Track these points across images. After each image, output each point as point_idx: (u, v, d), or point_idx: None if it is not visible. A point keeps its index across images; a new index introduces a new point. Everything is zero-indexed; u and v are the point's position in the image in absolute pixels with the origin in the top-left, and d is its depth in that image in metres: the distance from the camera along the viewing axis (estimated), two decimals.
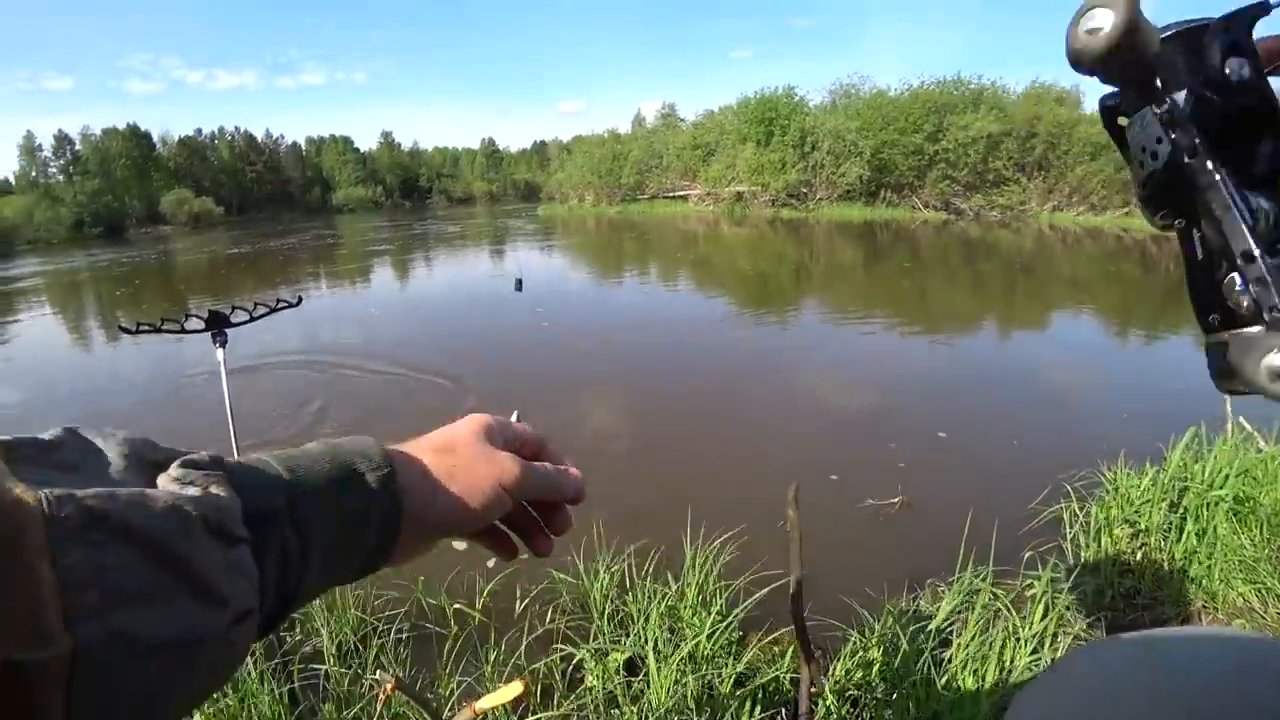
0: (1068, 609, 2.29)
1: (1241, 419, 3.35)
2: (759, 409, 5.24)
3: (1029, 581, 2.36)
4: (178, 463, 0.28)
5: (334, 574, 0.33)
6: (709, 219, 28.51)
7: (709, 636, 2.20)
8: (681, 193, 35.10)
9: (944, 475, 3.93)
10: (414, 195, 75.66)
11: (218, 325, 1.92)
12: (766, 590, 2.44)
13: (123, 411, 5.87)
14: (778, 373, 6.25)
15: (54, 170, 52.56)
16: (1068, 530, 2.91)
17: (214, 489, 0.27)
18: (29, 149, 52.26)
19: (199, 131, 62.10)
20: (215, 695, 1.76)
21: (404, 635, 2.47)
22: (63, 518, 0.22)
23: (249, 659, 2.20)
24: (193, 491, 0.27)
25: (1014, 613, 2.18)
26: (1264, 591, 2.42)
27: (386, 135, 78.24)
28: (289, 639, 2.47)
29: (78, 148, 53.31)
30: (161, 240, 37.26)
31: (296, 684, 1.97)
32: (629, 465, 4.22)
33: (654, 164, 36.78)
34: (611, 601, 2.50)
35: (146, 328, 1.88)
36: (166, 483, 0.27)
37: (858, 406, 5.20)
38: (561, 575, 2.65)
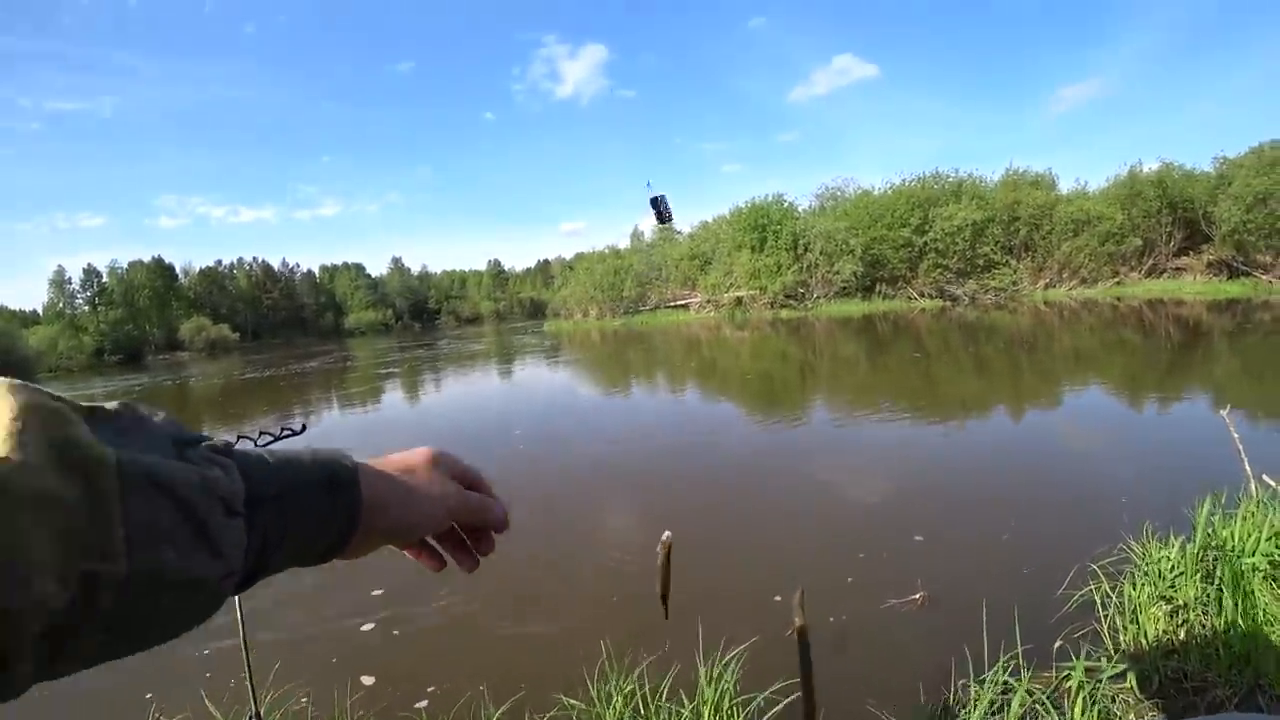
0: (1112, 700, 2.14)
1: (1265, 477, 3.23)
2: (769, 515, 5.07)
3: (1065, 672, 2.22)
4: (205, 445, 0.36)
5: (298, 557, 0.40)
6: (711, 325, 29.12)
7: None
8: (682, 301, 36.14)
9: (964, 568, 3.77)
10: (423, 316, 78.11)
11: None
12: (786, 702, 2.29)
13: None
14: (786, 477, 6.12)
15: (80, 301, 55.03)
16: (1102, 613, 2.74)
17: (230, 472, 0.35)
18: (58, 282, 55.17)
19: (219, 262, 65.47)
20: None
21: None
22: (130, 473, 0.30)
23: None
24: (215, 472, 0.34)
25: (1053, 711, 2.03)
26: None
27: (396, 261, 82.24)
28: None
29: (104, 280, 55.99)
30: (178, 366, 38.25)
31: None
32: (637, 578, 4.06)
33: (654, 276, 38.13)
34: None
35: None
36: (196, 459, 0.34)
37: (869, 506, 5.06)
38: (572, 701, 2.49)
